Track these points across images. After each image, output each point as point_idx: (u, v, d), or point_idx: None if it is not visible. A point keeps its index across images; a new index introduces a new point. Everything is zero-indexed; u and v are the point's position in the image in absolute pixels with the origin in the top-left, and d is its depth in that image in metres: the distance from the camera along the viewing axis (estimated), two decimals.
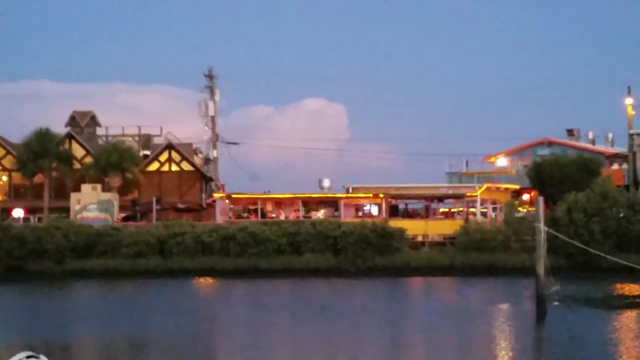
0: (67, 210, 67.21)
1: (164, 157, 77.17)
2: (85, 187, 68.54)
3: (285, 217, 64.05)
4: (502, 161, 78.36)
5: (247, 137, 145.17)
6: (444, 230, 61.27)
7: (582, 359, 27.04)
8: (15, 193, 75.78)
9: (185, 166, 77.11)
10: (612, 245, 53.94)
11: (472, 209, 64.41)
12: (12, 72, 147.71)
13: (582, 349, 28.09)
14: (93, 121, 79.91)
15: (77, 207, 66.61)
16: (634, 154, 68.47)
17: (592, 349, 27.91)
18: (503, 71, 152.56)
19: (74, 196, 67.75)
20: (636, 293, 45.01)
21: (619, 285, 47.27)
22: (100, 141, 78.73)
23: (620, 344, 28.94)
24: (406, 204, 67.97)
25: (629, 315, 36.33)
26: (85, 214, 65.89)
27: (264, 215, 64.93)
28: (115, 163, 69.99)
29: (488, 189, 64.14)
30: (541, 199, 35.58)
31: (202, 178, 77.56)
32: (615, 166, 72.66)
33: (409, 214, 66.33)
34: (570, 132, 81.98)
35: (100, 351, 30.08)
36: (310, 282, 52.85)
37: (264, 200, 66.58)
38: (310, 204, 66.12)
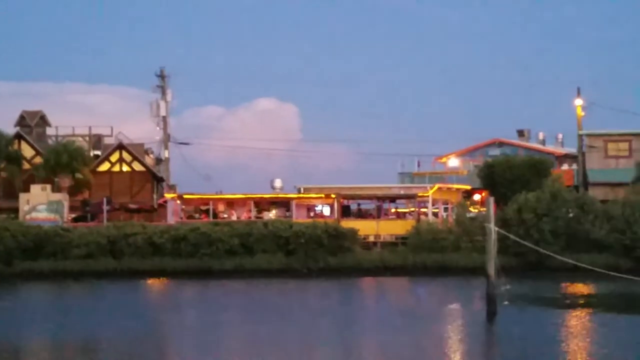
0: (16, 210, 66.41)
1: (114, 157, 76.65)
2: (35, 188, 67.77)
3: (237, 218, 63.85)
4: (453, 161, 78.78)
5: (199, 137, 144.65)
6: (395, 231, 61.42)
7: (531, 358, 27.25)
8: None
9: (137, 166, 76.64)
10: (561, 245, 54.38)
11: (423, 209, 64.64)
12: None
13: (531, 348, 28.30)
14: (43, 121, 79.15)
15: (26, 207, 65.89)
16: (584, 154, 69.12)
17: (541, 348, 28.11)
18: (454, 72, 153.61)
19: (23, 197, 66.97)
20: (585, 292, 45.53)
21: (568, 285, 47.76)
22: (50, 141, 77.97)
23: (568, 343, 29.18)
24: (358, 204, 68.05)
25: (578, 315, 36.68)
26: (34, 214, 65.17)
27: (215, 215, 64.65)
28: (66, 163, 69.32)
29: (439, 189, 64.43)
30: (492, 200, 35.76)
31: (154, 178, 77.13)
32: (565, 166, 73.36)
33: (361, 214, 66.41)
34: (520, 133, 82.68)
35: (49, 354, 29.74)
36: (262, 283, 52.75)
37: (216, 200, 66.31)
38: (262, 205, 65.97)
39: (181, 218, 64.49)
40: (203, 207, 66.68)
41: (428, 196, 63.38)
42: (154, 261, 58.12)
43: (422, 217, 63.01)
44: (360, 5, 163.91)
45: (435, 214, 64.15)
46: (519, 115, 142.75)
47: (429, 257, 56.90)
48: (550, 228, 55.59)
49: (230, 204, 66.32)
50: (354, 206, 67.40)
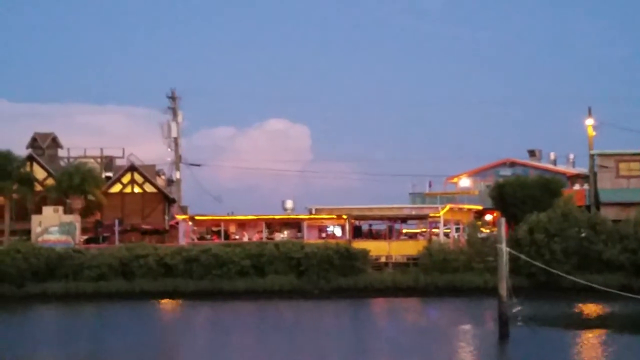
0: (28, 232, 66.62)
1: (126, 178, 76.84)
2: (47, 210, 67.96)
3: (249, 239, 63.91)
4: (464, 182, 78.60)
5: (210, 158, 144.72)
6: (407, 251, 61.35)
7: None
8: None
9: (148, 188, 76.80)
10: (573, 265, 54.30)
11: (435, 230, 64.64)
12: None
13: None
14: (54, 143, 79.46)
15: (39, 229, 66.04)
16: (595, 174, 68.98)
17: None
18: (466, 92, 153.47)
19: (35, 219, 67.15)
20: (597, 313, 45.34)
21: (580, 305, 47.59)
22: (62, 163, 78.26)
23: None
24: (369, 225, 68.05)
25: (590, 335, 36.55)
26: (46, 236, 65.31)
27: (227, 236, 64.74)
28: (77, 185, 69.48)
29: (451, 209, 64.42)
30: (503, 220, 35.75)
31: (165, 200, 77.27)
32: (576, 186, 73.18)
33: (373, 235, 66.41)
34: (532, 153, 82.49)
35: None
36: (274, 304, 52.71)
37: (227, 221, 66.41)
38: (273, 226, 66.04)
39: (192, 239, 64.57)
40: (214, 228, 66.77)
41: (439, 216, 63.38)
42: (166, 282, 58.20)
43: (434, 237, 62.96)
44: (371, 25, 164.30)
45: (446, 235, 64.08)
46: (530, 135, 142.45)
47: (441, 278, 56.82)
48: (562, 248, 55.49)
49: (242, 225, 66.39)
50: (365, 227, 67.39)
